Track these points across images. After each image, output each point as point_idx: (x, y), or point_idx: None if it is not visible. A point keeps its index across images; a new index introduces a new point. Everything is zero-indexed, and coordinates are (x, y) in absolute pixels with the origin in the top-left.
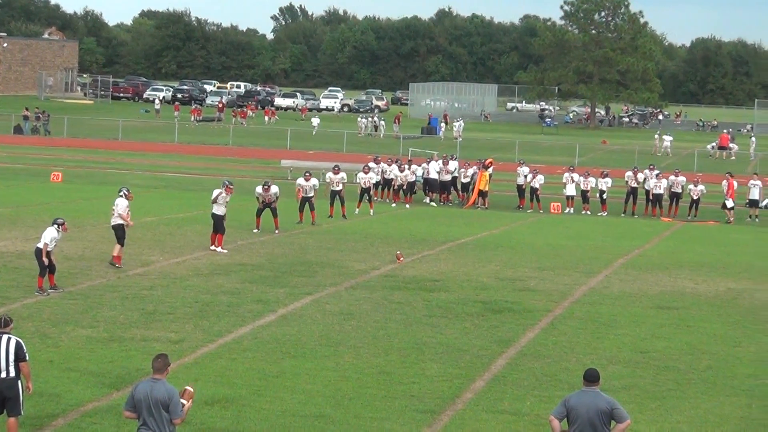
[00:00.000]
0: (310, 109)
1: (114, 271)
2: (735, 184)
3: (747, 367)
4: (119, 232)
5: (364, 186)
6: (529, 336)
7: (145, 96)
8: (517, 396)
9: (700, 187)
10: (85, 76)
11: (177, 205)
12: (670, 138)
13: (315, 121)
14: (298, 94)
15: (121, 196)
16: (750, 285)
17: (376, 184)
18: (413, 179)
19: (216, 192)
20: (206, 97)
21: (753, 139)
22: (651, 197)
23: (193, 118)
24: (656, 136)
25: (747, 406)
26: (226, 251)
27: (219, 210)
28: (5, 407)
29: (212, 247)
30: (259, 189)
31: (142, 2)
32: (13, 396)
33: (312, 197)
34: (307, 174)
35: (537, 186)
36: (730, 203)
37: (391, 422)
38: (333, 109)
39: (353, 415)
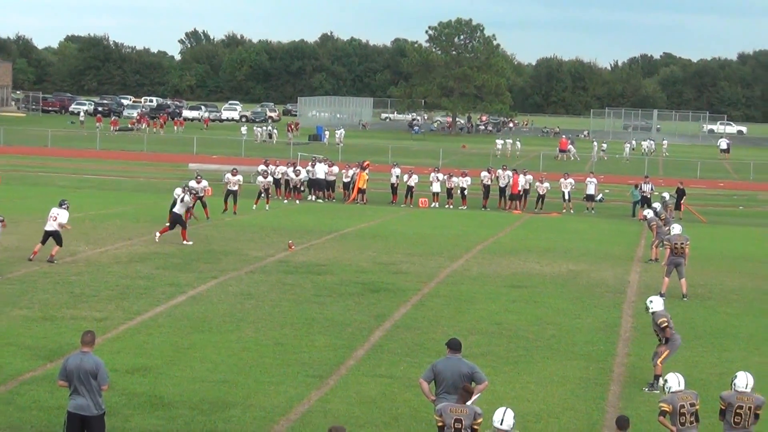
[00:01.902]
0: (212, 120)
1: (45, 261)
2: (519, 178)
3: (585, 335)
4: (48, 237)
5: (264, 188)
6: (402, 311)
7: (70, 109)
8: (392, 362)
9: (546, 184)
10: (17, 92)
11: (99, 203)
12: (501, 141)
13: (243, 129)
14: (202, 107)
15: (64, 207)
16: (587, 266)
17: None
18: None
19: (186, 198)
20: (123, 110)
21: (595, 143)
22: (510, 193)
23: (112, 128)
24: (507, 140)
25: (585, 368)
26: (191, 242)
27: (180, 210)
28: None
29: (157, 237)
30: (192, 183)
31: (67, 28)
32: None
33: (203, 196)
34: (198, 177)
35: (412, 184)
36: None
37: (285, 386)
38: (233, 120)
39: (253, 380)
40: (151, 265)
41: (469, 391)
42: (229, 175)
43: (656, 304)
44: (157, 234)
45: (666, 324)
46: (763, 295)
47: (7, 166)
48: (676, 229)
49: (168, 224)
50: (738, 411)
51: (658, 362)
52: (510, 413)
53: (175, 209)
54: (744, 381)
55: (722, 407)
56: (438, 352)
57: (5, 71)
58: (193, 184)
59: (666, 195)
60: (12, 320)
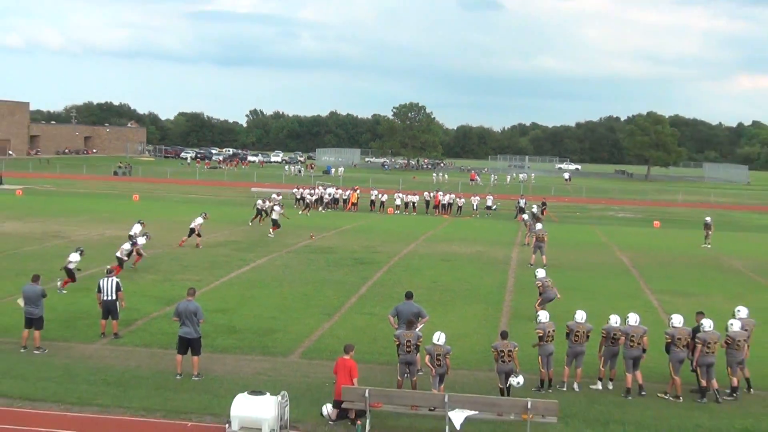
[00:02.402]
0: (265, 162)
1: (167, 245)
2: (439, 196)
3: (486, 289)
4: (192, 232)
5: (309, 202)
6: (378, 275)
7: (181, 156)
8: (373, 305)
9: (462, 200)
10: (149, 146)
11: (198, 211)
12: (436, 175)
13: (286, 167)
14: (259, 154)
15: (202, 215)
16: (487, 248)
17: (299, 199)
18: (316, 197)
19: (277, 208)
20: (212, 156)
21: (492, 176)
22: (440, 205)
23: (206, 167)
24: (440, 173)
25: (486, 309)
26: (272, 236)
27: (275, 216)
28: (110, 315)
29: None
30: (260, 202)
31: (179, 108)
32: (113, 309)
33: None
34: (265, 199)
35: (384, 200)
36: (467, 207)
37: (308, 319)
38: (277, 162)
39: (289, 317)
40: (229, 248)
41: (412, 322)
42: (274, 196)
43: (539, 273)
44: (270, 231)
45: (540, 285)
46: (595, 265)
47: (143, 190)
48: (539, 225)
49: (272, 226)
50: (576, 334)
51: (536, 305)
52: (443, 334)
53: (273, 216)
54: (580, 315)
55: (567, 332)
56: (399, 299)
57: (142, 133)
58: (259, 202)
59: (535, 206)
60: (146, 281)
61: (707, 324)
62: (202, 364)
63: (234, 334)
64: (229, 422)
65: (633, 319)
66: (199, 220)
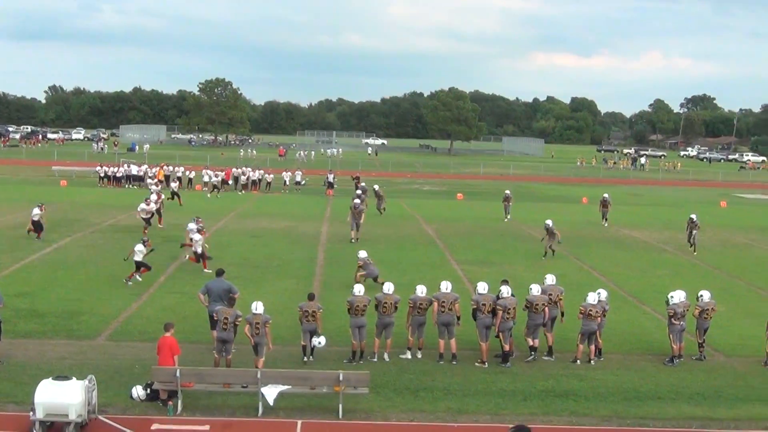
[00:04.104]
0: (66, 139)
1: None
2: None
3: (297, 264)
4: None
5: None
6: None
7: None
8: (183, 284)
9: (272, 176)
10: None
11: None
12: (243, 151)
13: (94, 145)
14: (60, 131)
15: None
16: (297, 223)
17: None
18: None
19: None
20: (9, 134)
21: (301, 151)
22: (250, 182)
23: (2, 146)
24: (248, 149)
25: (297, 283)
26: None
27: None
28: None
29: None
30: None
31: None
32: None
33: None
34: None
35: (191, 177)
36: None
37: (116, 300)
38: (79, 139)
39: (96, 298)
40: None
41: (233, 299)
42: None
43: (361, 254)
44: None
45: (361, 264)
46: (402, 238)
47: None
48: (357, 200)
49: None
50: (384, 305)
51: (356, 275)
52: (261, 303)
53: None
54: (388, 287)
55: (376, 303)
56: (209, 277)
57: None
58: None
59: (376, 185)
60: None
61: (505, 291)
62: (3, 351)
63: (37, 318)
64: (33, 409)
65: (482, 287)
66: (37, 211)
